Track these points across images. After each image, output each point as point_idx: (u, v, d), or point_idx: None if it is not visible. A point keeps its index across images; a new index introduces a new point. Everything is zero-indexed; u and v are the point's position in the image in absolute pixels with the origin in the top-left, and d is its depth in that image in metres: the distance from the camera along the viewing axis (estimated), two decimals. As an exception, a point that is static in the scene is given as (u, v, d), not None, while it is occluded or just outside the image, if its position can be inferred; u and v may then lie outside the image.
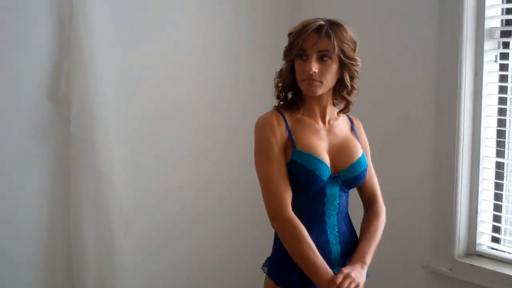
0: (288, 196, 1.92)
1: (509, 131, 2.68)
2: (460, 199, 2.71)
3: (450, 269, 2.74)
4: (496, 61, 2.66)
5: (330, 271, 1.87)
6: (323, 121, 2.04)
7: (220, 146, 3.29)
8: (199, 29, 3.16)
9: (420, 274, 2.89)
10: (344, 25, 1.94)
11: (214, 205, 3.30)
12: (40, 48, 2.67)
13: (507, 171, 2.69)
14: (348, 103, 2.05)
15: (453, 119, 2.68)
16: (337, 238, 2.01)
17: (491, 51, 2.65)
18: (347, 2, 3.16)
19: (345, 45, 1.91)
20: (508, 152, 2.68)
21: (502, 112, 2.69)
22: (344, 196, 2.04)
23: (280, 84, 2.03)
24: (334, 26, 1.91)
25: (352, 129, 2.13)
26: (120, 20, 2.88)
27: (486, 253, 2.72)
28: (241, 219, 3.34)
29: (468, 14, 2.62)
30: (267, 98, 2.07)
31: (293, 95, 2.04)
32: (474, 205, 2.73)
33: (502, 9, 2.65)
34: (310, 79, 1.91)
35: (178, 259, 3.20)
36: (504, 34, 2.63)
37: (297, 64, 1.94)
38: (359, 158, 2.04)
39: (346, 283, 1.83)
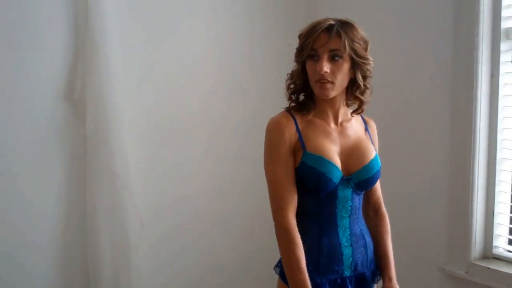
0: (290, 201, 1.92)
1: (526, 133, 2.64)
2: (477, 201, 2.68)
3: (466, 272, 2.71)
4: (513, 61, 2.63)
5: None
6: (335, 123, 2.02)
7: (235, 148, 3.30)
8: (214, 31, 3.18)
9: (436, 277, 2.86)
10: (355, 25, 1.92)
11: (229, 207, 3.31)
12: (56, 50, 2.70)
13: (524, 173, 2.65)
14: (361, 103, 2.02)
15: (469, 120, 2.65)
16: (349, 241, 1.99)
17: (507, 51, 2.61)
18: (362, 4, 3.15)
19: (356, 44, 1.89)
20: (525, 154, 2.65)
21: (518, 113, 2.66)
22: (357, 199, 2.02)
23: (291, 86, 2.02)
24: (344, 26, 1.89)
25: (366, 129, 2.11)
26: (135, 22, 2.90)
27: (503, 256, 2.68)
28: (255, 221, 3.33)
29: (484, 14, 2.59)
30: (281, 101, 2.07)
31: (305, 96, 2.02)
32: (491, 208, 2.70)
33: (519, 9, 2.62)
34: (322, 80, 1.89)
35: (193, 261, 3.21)
36: (521, 34, 2.61)
37: (309, 65, 1.92)
38: (372, 160, 2.01)
39: None
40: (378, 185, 2.17)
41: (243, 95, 3.30)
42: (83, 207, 2.80)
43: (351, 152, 2.00)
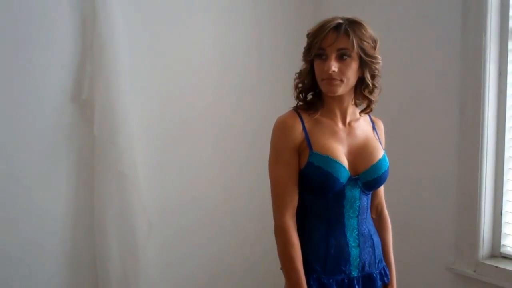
0: (290, 202, 1.93)
1: (534, 131, 2.64)
2: (485, 200, 2.68)
3: (474, 271, 2.71)
4: (521, 60, 2.63)
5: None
6: (343, 123, 2.00)
7: (243, 149, 3.30)
8: (221, 31, 3.18)
9: (444, 276, 2.86)
10: (363, 23, 1.90)
11: (237, 208, 3.31)
12: (63, 51, 2.70)
13: (532, 172, 2.65)
14: (370, 102, 2.00)
15: (477, 119, 2.65)
16: (356, 241, 1.98)
17: (515, 50, 2.62)
18: (370, 3, 3.15)
19: (364, 43, 1.87)
20: (533, 153, 2.64)
21: (527, 112, 2.65)
22: (365, 199, 2.01)
23: (299, 85, 2.01)
24: (353, 24, 1.88)
25: (374, 129, 2.10)
26: (142, 23, 2.90)
27: (511, 255, 2.68)
28: (264, 222, 3.31)
29: (492, 13, 2.59)
30: (290, 101, 2.06)
31: (313, 96, 2.01)
32: (499, 207, 2.70)
33: (527, 7, 2.62)
34: (329, 78, 1.87)
35: (201, 262, 3.21)
36: (529, 33, 2.60)
37: (317, 64, 1.91)
38: (380, 160, 2.00)
39: None
40: (381, 188, 2.15)
41: (251, 95, 3.30)
42: (91, 208, 2.80)
43: (359, 152, 1.98)
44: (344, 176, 1.92)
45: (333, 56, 1.87)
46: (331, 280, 1.94)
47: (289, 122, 1.94)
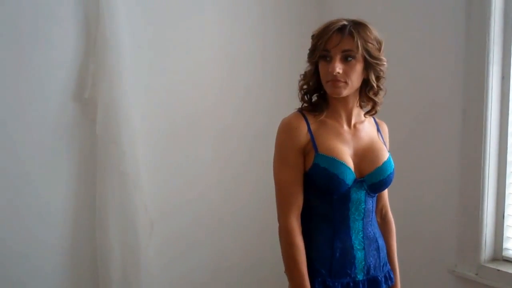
0: (295, 203, 1.92)
1: (537, 135, 2.64)
2: (487, 203, 2.67)
3: (476, 274, 2.71)
4: (524, 64, 2.62)
5: None
6: (348, 125, 2.00)
7: (246, 150, 3.30)
8: (225, 31, 3.17)
9: (446, 279, 2.86)
10: (368, 25, 1.90)
11: (239, 207, 3.31)
12: (66, 50, 2.70)
13: (535, 176, 2.65)
14: (374, 104, 1.99)
15: (479, 122, 2.65)
16: (362, 244, 1.98)
17: (519, 53, 2.61)
18: (374, 4, 3.16)
19: (369, 44, 1.87)
20: (536, 157, 2.64)
21: (530, 115, 2.65)
22: (370, 201, 2.01)
23: (304, 87, 2.00)
24: (357, 26, 1.87)
25: (378, 131, 2.10)
26: (145, 23, 2.90)
27: (513, 258, 2.69)
28: (265, 222, 3.31)
29: (496, 16, 2.59)
30: (294, 102, 2.06)
31: (318, 97, 2.01)
32: (501, 210, 2.69)
33: (531, 11, 2.62)
34: (334, 80, 1.87)
35: (202, 261, 3.21)
36: (532, 36, 2.60)
37: (321, 66, 1.91)
38: (385, 162, 2.00)
39: None
40: (385, 191, 2.15)
41: (254, 95, 3.30)
42: (93, 207, 2.80)
43: (364, 154, 1.98)
44: (349, 178, 1.91)
45: (338, 57, 1.86)
46: (336, 283, 1.93)
47: (295, 123, 1.93)
